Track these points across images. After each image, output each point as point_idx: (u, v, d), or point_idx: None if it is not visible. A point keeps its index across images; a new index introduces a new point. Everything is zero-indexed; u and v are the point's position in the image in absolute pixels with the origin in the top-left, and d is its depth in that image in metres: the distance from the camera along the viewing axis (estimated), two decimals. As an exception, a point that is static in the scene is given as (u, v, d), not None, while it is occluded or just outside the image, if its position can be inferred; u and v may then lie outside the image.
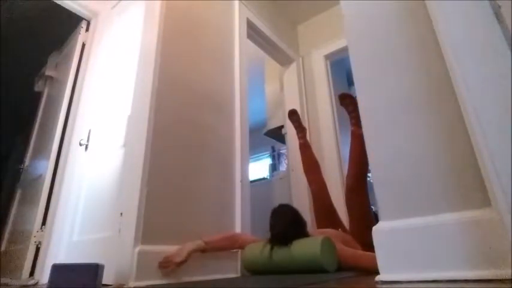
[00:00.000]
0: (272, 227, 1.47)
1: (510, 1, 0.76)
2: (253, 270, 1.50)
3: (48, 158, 1.87)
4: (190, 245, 1.34)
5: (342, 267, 1.36)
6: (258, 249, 1.47)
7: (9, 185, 3.57)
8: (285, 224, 1.45)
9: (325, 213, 1.90)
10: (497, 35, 0.73)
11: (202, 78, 1.85)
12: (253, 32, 2.56)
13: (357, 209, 1.65)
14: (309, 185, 2.08)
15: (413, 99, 0.93)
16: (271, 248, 1.41)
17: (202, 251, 1.39)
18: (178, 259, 1.28)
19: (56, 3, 2.12)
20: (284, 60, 2.99)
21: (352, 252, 1.40)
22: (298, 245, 1.37)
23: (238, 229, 1.73)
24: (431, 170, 0.85)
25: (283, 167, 4.80)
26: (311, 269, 1.29)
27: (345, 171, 2.59)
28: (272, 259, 1.39)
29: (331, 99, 2.79)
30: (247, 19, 2.45)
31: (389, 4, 1.05)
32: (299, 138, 2.20)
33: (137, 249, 1.23)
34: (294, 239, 1.40)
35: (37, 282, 1.58)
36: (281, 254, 1.38)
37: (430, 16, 0.90)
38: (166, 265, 1.27)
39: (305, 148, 2.16)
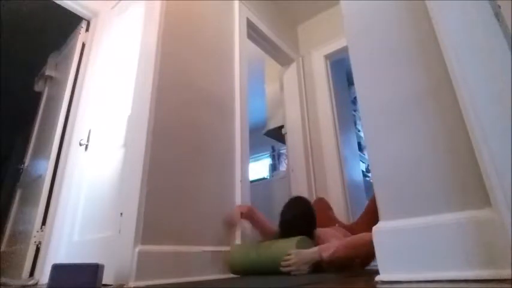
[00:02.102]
0: (282, 213, 1.50)
1: (510, 1, 0.76)
2: (235, 270, 1.51)
3: (48, 158, 1.87)
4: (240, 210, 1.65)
5: (344, 262, 1.34)
6: (242, 250, 1.51)
7: (9, 185, 3.57)
8: (294, 214, 1.47)
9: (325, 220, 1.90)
10: (497, 35, 0.74)
11: (202, 78, 1.85)
12: (253, 32, 2.56)
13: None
14: None
15: (414, 99, 0.93)
16: (257, 247, 1.45)
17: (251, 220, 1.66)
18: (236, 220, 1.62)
19: (56, 3, 2.12)
20: (284, 60, 2.99)
21: (352, 240, 1.36)
22: (274, 245, 1.38)
23: (238, 229, 1.73)
24: (431, 170, 0.85)
25: (283, 167, 4.79)
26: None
27: (345, 171, 2.60)
28: (253, 258, 1.41)
29: (331, 99, 2.79)
30: (247, 19, 2.45)
31: (389, 4, 1.05)
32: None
33: (137, 249, 1.23)
34: (299, 232, 1.40)
35: (37, 282, 1.58)
36: (260, 254, 1.40)
37: (430, 16, 0.90)
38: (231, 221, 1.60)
39: None
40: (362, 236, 1.27)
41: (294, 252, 1.28)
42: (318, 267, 1.29)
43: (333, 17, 2.96)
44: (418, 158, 0.88)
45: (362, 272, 1.33)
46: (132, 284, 1.16)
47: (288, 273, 1.26)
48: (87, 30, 2.24)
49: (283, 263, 1.28)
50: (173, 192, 1.47)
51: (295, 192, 2.58)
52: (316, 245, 1.39)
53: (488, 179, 0.69)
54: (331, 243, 1.34)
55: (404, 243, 0.82)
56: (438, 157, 0.84)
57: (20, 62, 3.18)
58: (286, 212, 1.50)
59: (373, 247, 0.89)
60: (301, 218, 1.47)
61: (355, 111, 3.41)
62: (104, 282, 1.23)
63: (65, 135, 1.94)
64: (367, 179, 3.01)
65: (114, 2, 2.20)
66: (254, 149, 3.97)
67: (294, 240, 1.33)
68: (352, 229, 1.74)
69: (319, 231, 1.54)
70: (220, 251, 1.54)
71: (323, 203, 2.12)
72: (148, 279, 1.20)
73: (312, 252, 1.29)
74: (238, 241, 1.70)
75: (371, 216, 1.64)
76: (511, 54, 0.71)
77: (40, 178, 1.89)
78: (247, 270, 1.46)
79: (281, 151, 5.00)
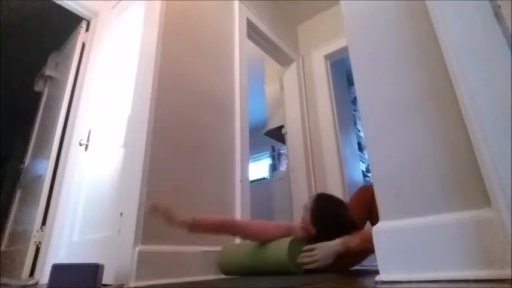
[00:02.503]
0: (327, 214, 1.38)
1: (510, 1, 0.76)
2: (225, 271, 1.47)
3: (48, 158, 1.87)
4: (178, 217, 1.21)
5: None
6: (232, 250, 1.47)
7: (9, 185, 3.57)
8: (338, 222, 1.36)
9: None
10: (497, 35, 0.74)
11: (202, 78, 1.85)
12: (253, 32, 2.56)
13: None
14: None
15: (414, 99, 0.93)
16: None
17: (190, 228, 1.23)
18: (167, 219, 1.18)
19: (56, 3, 2.12)
20: (284, 60, 2.99)
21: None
22: (265, 246, 1.34)
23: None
24: (431, 170, 0.85)
25: (283, 167, 4.79)
26: (278, 270, 1.26)
27: (345, 171, 2.60)
28: (243, 259, 1.36)
29: (331, 99, 2.79)
30: (247, 19, 2.45)
31: (389, 4, 1.05)
32: None
33: (137, 249, 1.23)
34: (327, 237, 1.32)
35: (37, 282, 1.58)
36: (251, 255, 1.36)
37: (430, 16, 0.90)
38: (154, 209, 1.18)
39: None
40: (367, 231, 1.25)
41: (318, 246, 1.25)
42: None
43: (333, 17, 2.97)
44: (418, 158, 0.88)
45: (362, 271, 1.32)
46: (132, 284, 1.16)
47: (292, 272, 1.23)
48: (87, 30, 2.24)
49: (306, 259, 1.23)
50: (173, 192, 1.47)
51: (295, 192, 2.59)
52: None
53: (488, 179, 0.69)
54: (354, 235, 1.29)
55: (404, 243, 0.82)
56: (438, 157, 0.84)
57: (20, 62, 3.18)
58: (335, 215, 1.39)
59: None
60: (341, 225, 1.37)
61: (355, 111, 3.41)
62: (104, 282, 1.23)
63: (65, 135, 1.94)
64: (367, 179, 3.01)
65: (114, 2, 2.20)
66: (254, 149, 3.97)
67: (286, 241, 1.28)
68: None
69: None
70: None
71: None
72: (148, 279, 1.20)
73: (335, 244, 1.25)
74: (238, 241, 1.70)
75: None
76: (511, 54, 0.71)
77: (40, 178, 1.89)
78: (236, 271, 1.43)
79: (281, 151, 5.00)
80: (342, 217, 1.39)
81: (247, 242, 1.51)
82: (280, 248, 1.28)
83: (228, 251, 1.52)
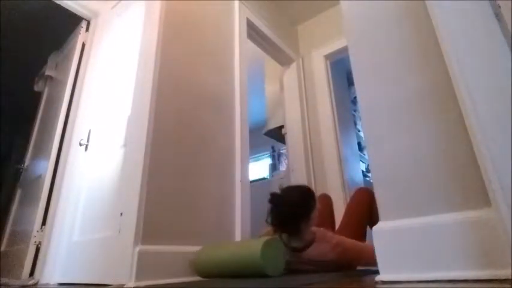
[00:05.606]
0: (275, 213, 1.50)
1: (510, 1, 0.76)
2: (200, 272, 1.40)
3: (48, 158, 1.87)
4: None
5: (341, 262, 1.34)
6: (207, 251, 1.41)
7: (9, 185, 3.57)
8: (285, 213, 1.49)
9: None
10: (497, 35, 0.74)
11: (202, 78, 1.85)
12: (253, 32, 2.56)
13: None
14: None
15: (414, 99, 0.93)
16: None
17: None
18: None
19: (56, 3, 2.12)
20: (284, 60, 2.99)
21: (354, 243, 1.40)
22: (239, 247, 1.31)
23: (238, 228, 1.73)
24: (432, 170, 0.85)
25: (283, 167, 4.79)
26: (252, 272, 1.19)
27: (345, 171, 2.60)
28: (218, 261, 1.31)
29: (331, 99, 2.79)
30: (247, 19, 2.45)
31: (389, 4, 1.05)
32: None
33: (137, 249, 1.23)
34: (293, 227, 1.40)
35: (37, 282, 1.58)
36: (225, 256, 1.31)
37: (430, 16, 0.90)
38: None
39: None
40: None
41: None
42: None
43: (333, 17, 2.97)
44: (418, 158, 0.88)
45: (362, 272, 1.32)
46: (132, 284, 1.16)
47: (268, 275, 1.16)
48: (87, 30, 2.24)
49: None
50: (173, 192, 1.47)
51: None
52: (309, 241, 1.37)
53: (488, 179, 0.69)
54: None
55: (404, 243, 0.82)
56: (438, 157, 0.84)
57: (20, 62, 3.18)
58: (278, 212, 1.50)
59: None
60: (293, 214, 1.47)
61: (355, 111, 3.41)
62: (103, 282, 1.23)
63: (65, 135, 1.94)
64: (367, 179, 3.01)
65: (114, 2, 2.20)
66: (254, 149, 3.96)
67: (260, 242, 1.20)
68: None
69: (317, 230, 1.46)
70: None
71: (327, 199, 2.03)
72: (148, 279, 1.20)
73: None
74: (238, 238, 1.70)
75: (347, 220, 1.69)
76: (511, 54, 0.71)
77: (40, 178, 1.89)
78: (211, 273, 1.36)
79: (281, 151, 5.00)
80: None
81: (224, 243, 1.51)
82: (254, 248, 1.20)
83: (203, 251, 1.42)
